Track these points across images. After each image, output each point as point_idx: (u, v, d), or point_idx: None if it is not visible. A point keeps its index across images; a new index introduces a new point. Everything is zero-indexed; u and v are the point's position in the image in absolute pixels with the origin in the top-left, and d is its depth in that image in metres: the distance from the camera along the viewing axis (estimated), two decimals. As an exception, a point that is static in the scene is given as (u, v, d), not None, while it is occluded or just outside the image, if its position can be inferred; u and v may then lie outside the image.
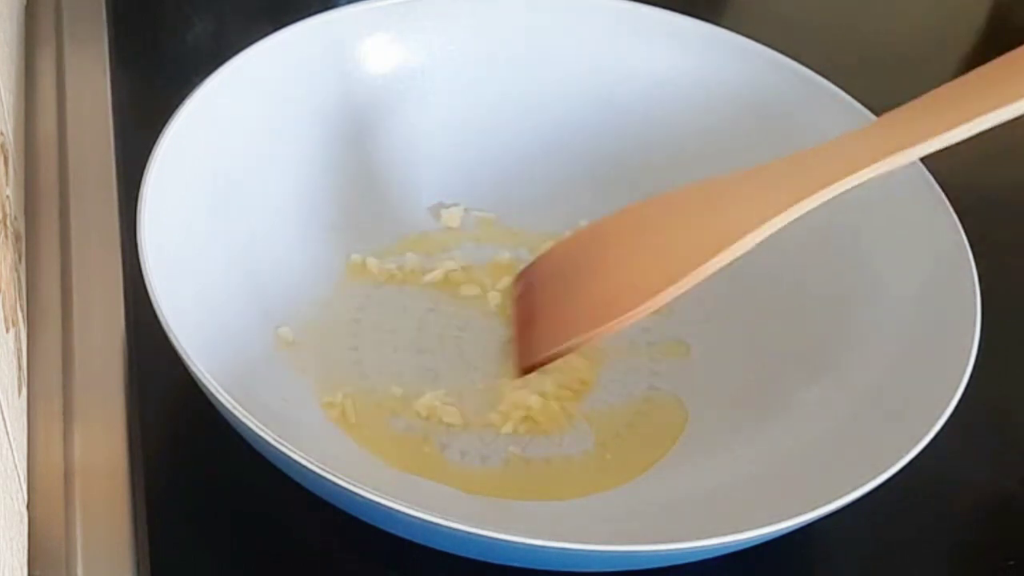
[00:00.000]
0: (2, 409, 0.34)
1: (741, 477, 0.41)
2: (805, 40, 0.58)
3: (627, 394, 0.45)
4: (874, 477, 0.35)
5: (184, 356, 0.36)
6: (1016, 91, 0.34)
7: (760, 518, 0.35)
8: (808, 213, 0.47)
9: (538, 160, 0.51)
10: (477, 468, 0.42)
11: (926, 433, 0.37)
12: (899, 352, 0.42)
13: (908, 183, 0.45)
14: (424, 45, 0.50)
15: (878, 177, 0.47)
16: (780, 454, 0.41)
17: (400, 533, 0.36)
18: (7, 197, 0.43)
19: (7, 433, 0.35)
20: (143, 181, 0.40)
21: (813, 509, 0.35)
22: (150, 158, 0.41)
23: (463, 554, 0.36)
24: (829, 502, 0.35)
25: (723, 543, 0.34)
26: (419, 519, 0.33)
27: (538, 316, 0.42)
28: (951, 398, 0.38)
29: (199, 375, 0.35)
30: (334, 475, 0.33)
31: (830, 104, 0.48)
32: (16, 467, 0.37)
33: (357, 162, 0.49)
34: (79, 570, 0.37)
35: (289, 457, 0.34)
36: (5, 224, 0.42)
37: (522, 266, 0.49)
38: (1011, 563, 0.42)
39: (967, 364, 0.39)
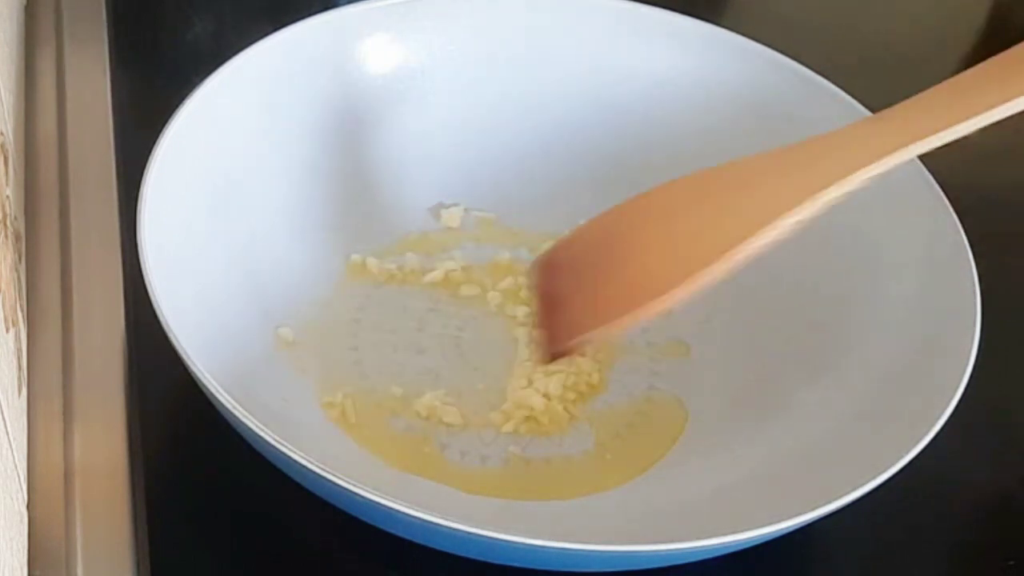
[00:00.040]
0: (2, 409, 0.34)
1: (741, 477, 0.41)
2: (805, 40, 0.58)
3: (627, 394, 0.45)
4: (874, 477, 0.35)
5: (184, 356, 0.36)
6: None
7: (760, 518, 0.35)
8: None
9: (538, 160, 0.51)
10: (477, 468, 0.42)
11: (926, 433, 0.37)
12: (899, 352, 0.42)
13: (908, 183, 0.45)
14: (424, 45, 0.50)
15: (878, 177, 0.47)
16: (780, 454, 0.41)
17: (400, 533, 0.36)
18: (7, 197, 0.43)
19: (7, 433, 0.35)
20: (143, 181, 0.40)
21: (813, 509, 0.35)
22: (150, 158, 0.41)
23: (463, 554, 0.36)
24: (829, 502, 0.35)
25: (723, 543, 0.34)
26: (419, 519, 0.33)
27: (564, 301, 0.41)
28: (951, 398, 0.38)
29: (199, 375, 0.35)
30: (334, 475, 0.33)
31: (830, 104, 0.48)
32: (16, 467, 0.37)
33: (357, 162, 0.49)
34: (79, 570, 0.37)
35: (289, 457, 0.34)
36: (5, 224, 0.42)
37: (522, 266, 0.49)
38: (1011, 563, 0.42)
39: (967, 364, 0.39)
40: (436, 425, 0.43)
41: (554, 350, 0.41)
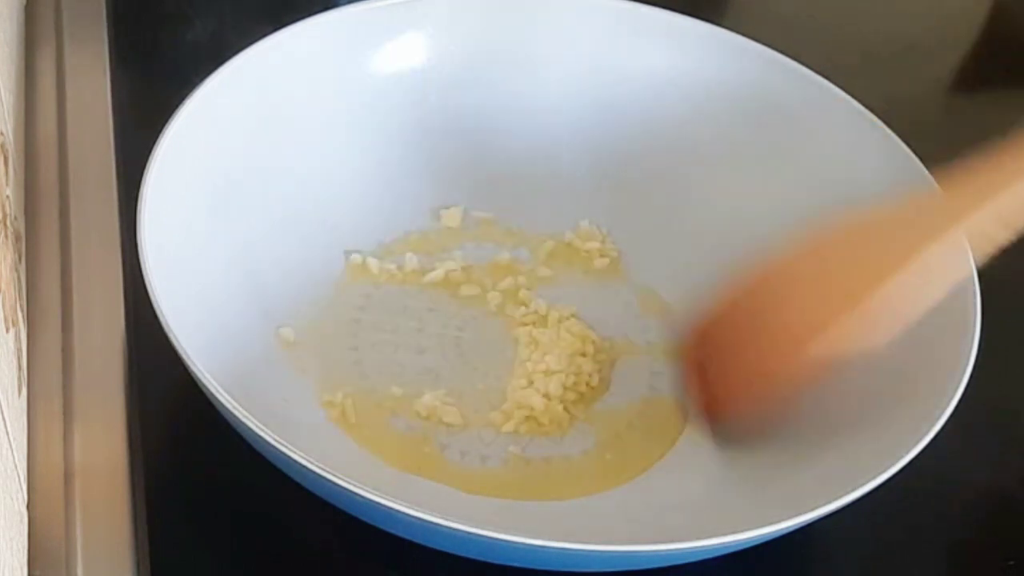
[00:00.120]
0: (2, 409, 0.34)
1: (741, 477, 0.41)
2: (805, 40, 0.58)
3: (627, 394, 0.45)
4: (874, 477, 0.35)
5: (184, 356, 0.36)
6: None
7: (760, 518, 0.35)
8: (807, 214, 0.47)
9: (538, 160, 0.51)
10: (477, 468, 0.42)
11: (926, 433, 0.37)
12: (899, 352, 0.42)
13: (908, 183, 0.45)
14: (424, 45, 0.50)
15: (878, 177, 0.47)
16: (779, 454, 0.41)
17: (400, 533, 0.36)
18: (7, 197, 0.43)
19: (7, 433, 0.35)
20: (143, 181, 0.40)
21: (813, 509, 0.35)
22: (150, 158, 0.41)
23: (463, 554, 0.36)
24: (829, 502, 0.35)
25: (723, 543, 0.34)
26: (419, 519, 0.33)
27: (721, 371, 0.43)
28: (951, 398, 0.38)
29: (199, 375, 0.35)
30: (334, 475, 0.33)
31: (830, 104, 0.48)
32: (16, 467, 0.37)
33: (357, 162, 0.49)
34: (79, 570, 0.37)
35: (289, 457, 0.34)
36: (5, 224, 0.42)
37: (522, 266, 0.49)
38: (1011, 563, 0.42)
39: (967, 364, 0.39)
40: (436, 425, 0.43)
41: (724, 421, 0.43)
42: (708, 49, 0.50)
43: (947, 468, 0.43)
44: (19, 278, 0.44)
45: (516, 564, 0.36)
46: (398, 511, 0.33)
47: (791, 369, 0.41)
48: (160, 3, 0.62)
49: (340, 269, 0.48)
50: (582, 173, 0.51)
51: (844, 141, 0.48)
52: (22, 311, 0.43)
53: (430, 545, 0.36)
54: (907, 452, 0.36)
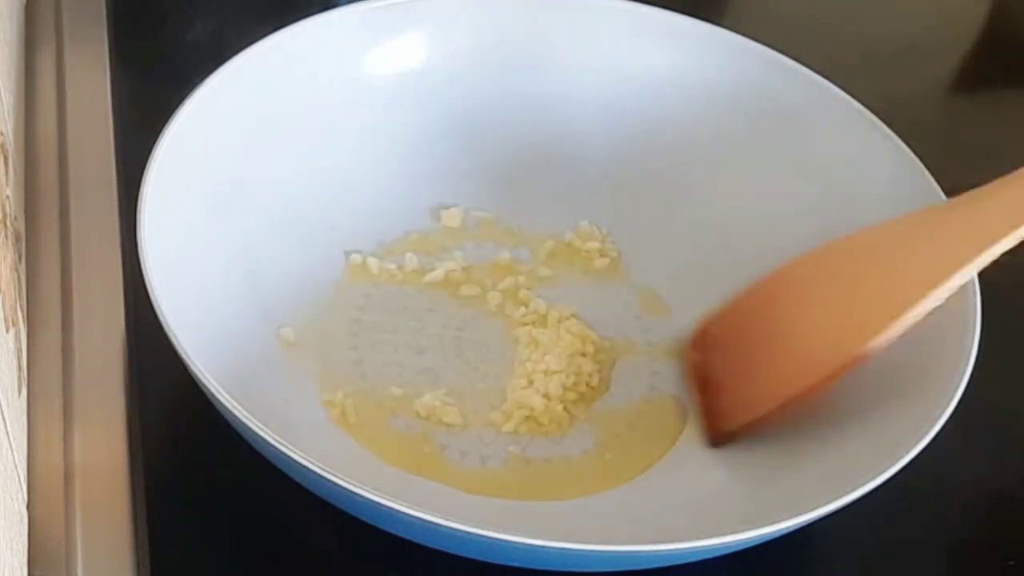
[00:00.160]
0: (2, 409, 0.34)
1: (740, 477, 0.41)
2: (805, 40, 0.58)
3: (627, 394, 0.45)
4: (874, 477, 0.35)
5: (184, 356, 0.36)
6: None
7: (760, 518, 0.35)
8: (808, 214, 0.47)
9: (538, 160, 0.51)
10: (477, 468, 0.42)
11: (926, 433, 0.37)
12: (899, 352, 0.41)
13: (909, 183, 0.45)
14: (424, 45, 0.50)
15: (878, 177, 0.47)
16: (779, 454, 0.41)
17: (400, 533, 0.36)
18: (7, 197, 0.43)
19: (7, 433, 0.35)
20: (143, 181, 0.40)
21: (813, 509, 0.35)
22: (150, 158, 0.41)
23: (463, 554, 0.36)
24: (829, 502, 0.35)
25: (723, 543, 0.34)
26: (419, 519, 0.33)
27: (727, 380, 0.43)
28: (951, 398, 0.38)
29: (199, 375, 0.35)
30: (334, 475, 0.33)
31: (830, 104, 0.48)
32: (16, 467, 0.37)
33: (357, 162, 0.49)
34: (79, 570, 0.37)
35: (289, 457, 0.34)
36: (5, 224, 0.42)
37: (522, 266, 0.49)
38: (1011, 563, 0.42)
39: (967, 364, 0.39)
40: (436, 425, 0.43)
41: (722, 432, 0.42)
42: (708, 49, 0.50)
43: (947, 468, 0.43)
44: (19, 278, 0.44)
45: (516, 564, 0.36)
46: (398, 511, 0.33)
47: (805, 382, 0.40)
48: (160, 3, 0.62)
49: (340, 269, 0.48)
50: (582, 173, 0.51)
51: (844, 141, 0.48)
52: (22, 311, 0.43)
53: (430, 545, 0.36)
54: (907, 452, 0.36)
